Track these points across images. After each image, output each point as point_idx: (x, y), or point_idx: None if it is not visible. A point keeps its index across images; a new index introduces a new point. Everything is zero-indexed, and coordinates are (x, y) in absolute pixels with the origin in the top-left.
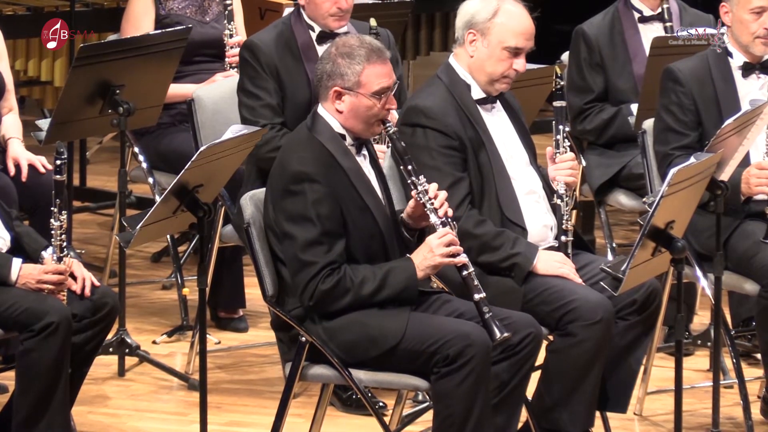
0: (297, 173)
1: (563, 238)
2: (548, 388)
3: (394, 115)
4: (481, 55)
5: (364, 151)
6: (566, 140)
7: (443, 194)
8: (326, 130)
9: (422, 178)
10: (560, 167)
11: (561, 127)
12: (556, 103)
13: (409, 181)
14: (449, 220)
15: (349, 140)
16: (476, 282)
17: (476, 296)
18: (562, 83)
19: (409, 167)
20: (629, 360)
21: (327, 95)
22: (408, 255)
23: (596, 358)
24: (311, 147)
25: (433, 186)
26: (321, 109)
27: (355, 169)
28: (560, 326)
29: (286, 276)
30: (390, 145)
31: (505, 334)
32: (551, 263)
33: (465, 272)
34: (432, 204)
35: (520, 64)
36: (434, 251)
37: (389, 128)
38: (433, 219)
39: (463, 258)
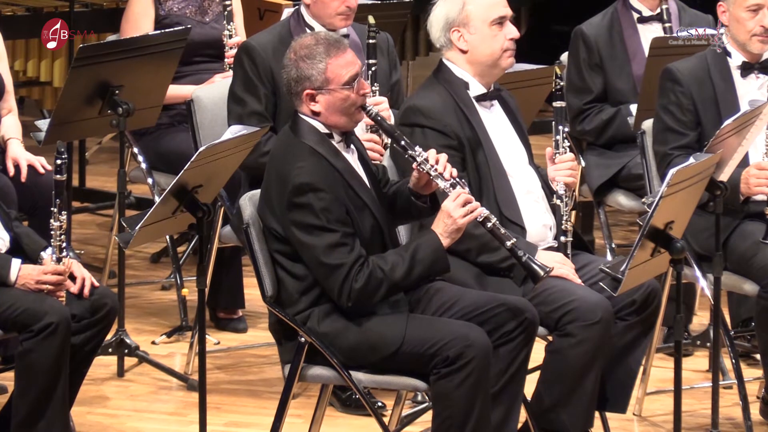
0: (299, 186)
1: (562, 238)
2: (547, 389)
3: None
4: (474, 42)
5: (352, 146)
6: (565, 141)
7: (443, 157)
8: (312, 133)
9: (418, 149)
10: (560, 168)
11: (560, 127)
12: (556, 104)
13: (406, 156)
14: (457, 180)
15: (336, 138)
16: (503, 230)
17: (508, 243)
18: (561, 84)
19: (402, 142)
20: (628, 360)
21: (300, 99)
22: (429, 228)
23: (595, 358)
24: (305, 155)
25: (432, 152)
26: (302, 115)
27: (347, 169)
28: (559, 327)
29: (286, 281)
30: (376, 128)
31: (548, 269)
32: (550, 263)
33: (489, 224)
34: (436, 170)
35: (512, 31)
36: (453, 215)
37: (371, 111)
38: (442, 184)
39: (483, 211)
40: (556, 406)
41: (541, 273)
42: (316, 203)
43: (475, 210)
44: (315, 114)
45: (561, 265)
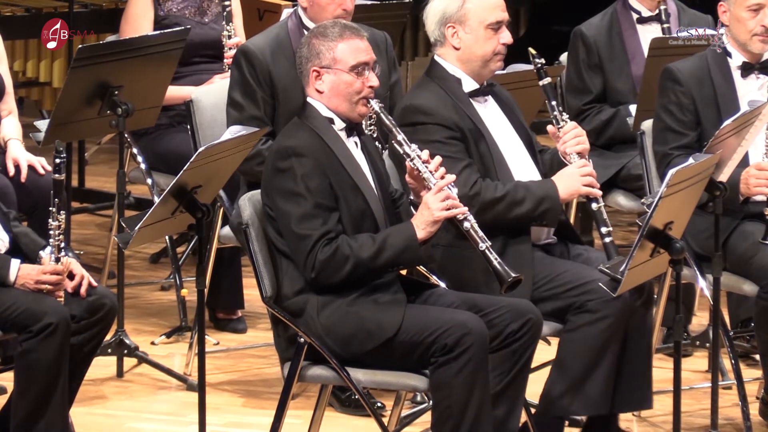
0: (283, 149)
1: (606, 239)
2: (561, 372)
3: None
4: (468, 41)
5: (355, 138)
6: (563, 114)
7: (437, 159)
8: (315, 116)
9: (414, 146)
10: (567, 139)
11: (553, 103)
12: (542, 82)
13: (401, 152)
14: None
15: (338, 124)
16: (480, 233)
17: (482, 245)
18: (541, 62)
19: (400, 138)
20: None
21: (308, 79)
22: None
23: (612, 337)
24: (301, 128)
25: (425, 152)
26: (309, 98)
27: (343, 151)
28: (578, 305)
29: (282, 262)
30: (377, 124)
31: (515, 275)
32: (572, 184)
33: (467, 225)
34: (426, 167)
35: (506, 36)
36: (431, 206)
37: (373, 105)
38: (428, 177)
39: (463, 210)
40: (571, 388)
41: (510, 276)
42: (298, 168)
43: (454, 207)
44: (319, 93)
45: (581, 177)
